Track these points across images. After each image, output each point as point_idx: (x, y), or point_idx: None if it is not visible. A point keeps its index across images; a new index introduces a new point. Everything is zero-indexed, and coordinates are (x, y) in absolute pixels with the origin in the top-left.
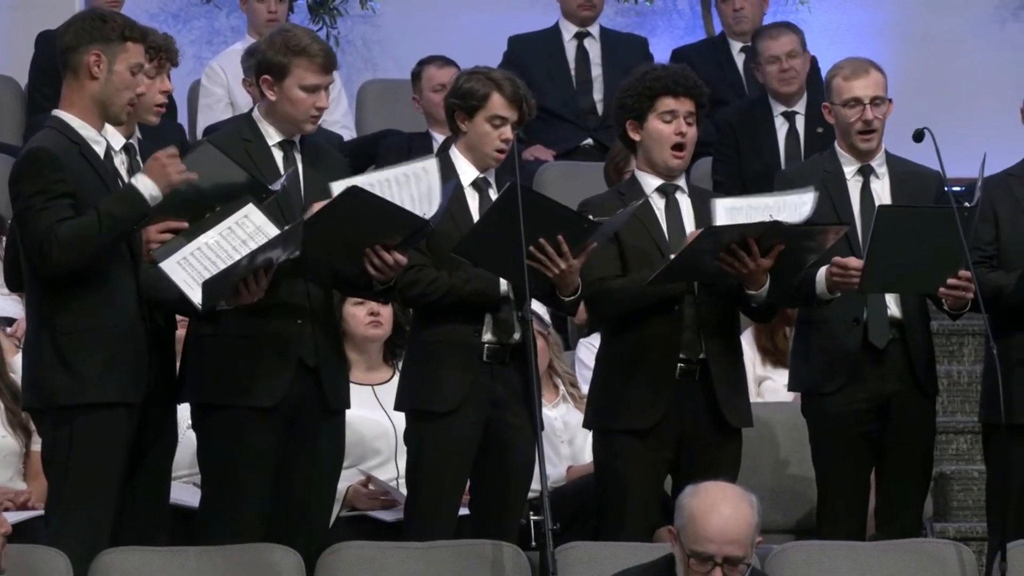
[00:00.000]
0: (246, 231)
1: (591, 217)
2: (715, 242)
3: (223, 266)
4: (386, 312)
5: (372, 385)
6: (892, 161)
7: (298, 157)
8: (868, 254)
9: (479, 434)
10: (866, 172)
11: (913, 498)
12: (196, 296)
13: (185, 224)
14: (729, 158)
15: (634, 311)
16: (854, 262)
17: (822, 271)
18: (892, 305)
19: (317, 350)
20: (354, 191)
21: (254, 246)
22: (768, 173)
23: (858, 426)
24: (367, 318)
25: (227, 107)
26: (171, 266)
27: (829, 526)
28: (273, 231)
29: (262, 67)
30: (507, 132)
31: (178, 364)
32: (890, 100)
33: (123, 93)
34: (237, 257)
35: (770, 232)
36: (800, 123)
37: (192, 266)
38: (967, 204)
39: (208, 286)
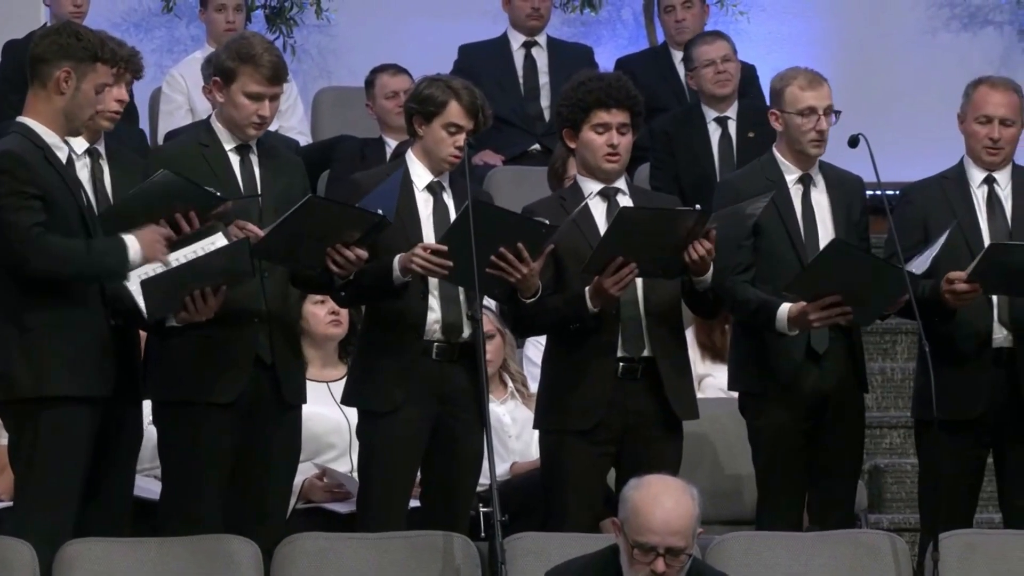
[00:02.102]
0: None
1: (546, 221)
2: (628, 225)
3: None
4: (344, 311)
5: (327, 382)
6: (823, 168)
7: (254, 161)
8: (803, 271)
9: (428, 430)
10: (806, 180)
11: (847, 491)
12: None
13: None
14: (666, 164)
15: (556, 327)
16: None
17: (783, 309)
18: None
19: (273, 348)
20: (313, 201)
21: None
22: (704, 176)
23: (796, 424)
24: (328, 317)
25: (187, 114)
26: (130, 280)
27: (768, 518)
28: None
29: (215, 70)
30: (461, 139)
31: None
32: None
33: (86, 110)
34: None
35: (701, 218)
36: (732, 128)
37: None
38: (914, 271)
39: (147, 286)
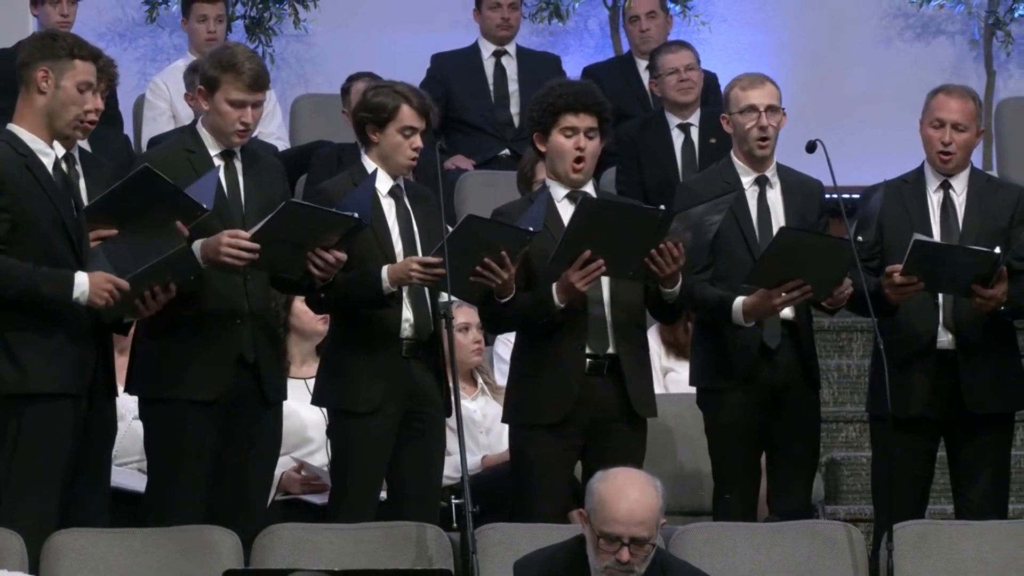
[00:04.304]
0: None
1: (530, 228)
2: (590, 216)
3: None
4: None
5: (304, 379)
6: (782, 171)
7: (238, 167)
8: (758, 262)
9: (398, 427)
10: (762, 182)
11: (803, 482)
12: None
13: (114, 231)
14: (630, 169)
15: (526, 324)
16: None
17: (738, 302)
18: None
19: (256, 347)
20: (291, 206)
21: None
22: (667, 182)
23: (750, 418)
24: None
25: (169, 120)
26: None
27: (723, 510)
28: None
29: (200, 79)
30: (417, 141)
31: (127, 360)
32: (784, 113)
33: (70, 108)
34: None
35: (665, 219)
36: (695, 134)
37: None
38: (860, 239)
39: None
